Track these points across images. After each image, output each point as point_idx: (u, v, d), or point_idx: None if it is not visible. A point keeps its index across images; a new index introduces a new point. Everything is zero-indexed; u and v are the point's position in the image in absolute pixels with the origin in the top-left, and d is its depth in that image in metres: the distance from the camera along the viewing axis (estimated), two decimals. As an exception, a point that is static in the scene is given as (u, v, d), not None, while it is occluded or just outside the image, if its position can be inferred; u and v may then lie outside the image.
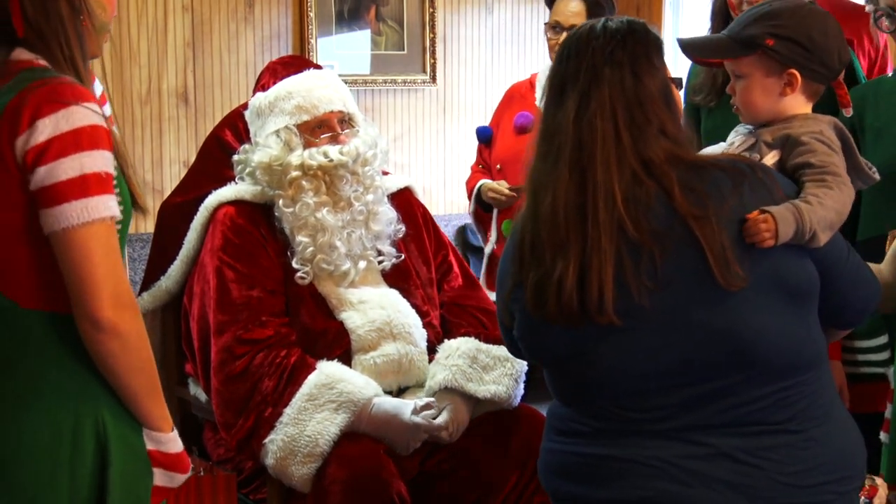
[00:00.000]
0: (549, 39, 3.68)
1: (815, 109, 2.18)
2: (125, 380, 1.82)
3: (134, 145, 4.94)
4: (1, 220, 1.79)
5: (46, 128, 1.74)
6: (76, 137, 1.75)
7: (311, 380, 2.72)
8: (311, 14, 5.31)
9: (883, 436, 2.42)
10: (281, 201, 2.87)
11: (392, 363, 2.85)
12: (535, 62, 5.79)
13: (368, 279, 2.94)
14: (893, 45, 3.07)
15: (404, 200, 3.11)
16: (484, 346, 2.92)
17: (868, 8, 2.74)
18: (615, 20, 2.01)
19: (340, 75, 3.16)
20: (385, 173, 3.09)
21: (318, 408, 2.68)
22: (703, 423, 1.90)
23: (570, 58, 1.98)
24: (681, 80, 3.09)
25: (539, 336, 1.99)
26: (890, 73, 2.75)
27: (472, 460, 2.81)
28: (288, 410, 2.69)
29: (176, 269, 3.02)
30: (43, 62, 1.82)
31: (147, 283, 3.09)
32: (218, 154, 3.13)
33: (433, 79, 5.67)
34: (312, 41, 5.33)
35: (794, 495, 1.90)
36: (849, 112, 2.30)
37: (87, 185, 1.74)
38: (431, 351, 2.93)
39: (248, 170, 2.93)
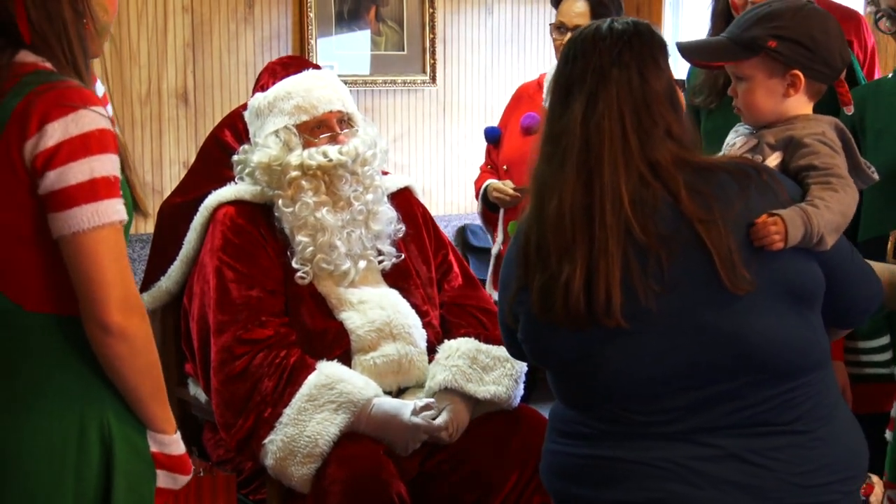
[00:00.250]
0: (554, 40, 3.69)
1: (816, 108, 2.18)
2: (132, 383, 1.83)
3: (134, 146, 4.94)
4: (7, 223, 1.79)
5: (56, 132, 1.74)
6: (85, 141, 1.75)
7: (311, 380, 2.72)
8: (311, 14, 5.31)
9: (888, 434, 2.43)
10: (280, 201, 2.87)
11: (392, 363, 2.85)
12: (536, 62, 5.79)
13: (368, 279, 2.94)
14: (883, 47, 3.06)
15: (404, 200, 3.11)
16: (484, 346, 2.92)
17: (868, 9, 2.74)
18: (620, 21, 2.00)
19: (340, 76, 3.16)
20: (385, 173, 3.09)
21: (318, 408, 2.68)
22: (710, 426, 1.90)
23: (576, 59, 1.97)
24: (683, 81, 3.10)
25: (545, 339, 1.99)
26: (890, 75, 2.75)
27: (471, 461, 2.80)
28: (288, 411, 2.69)
29: (176, 269, 3.02)
30: (47, 65, 1.83)
31: (147, 283, 3.09)
32: (218, 154, 3.13)
33: (433, 79, 5.67)
34: (312, 41, 5.33)
35: (802, 495, 1.90)
36: (850, 110, 2.30)
37: (96, 190, 1.75)
38: (431, 351, 2.93)
39: (247, 170, 2.93)
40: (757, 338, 1.89)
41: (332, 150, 2.86)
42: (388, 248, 2.97)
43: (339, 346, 2.84)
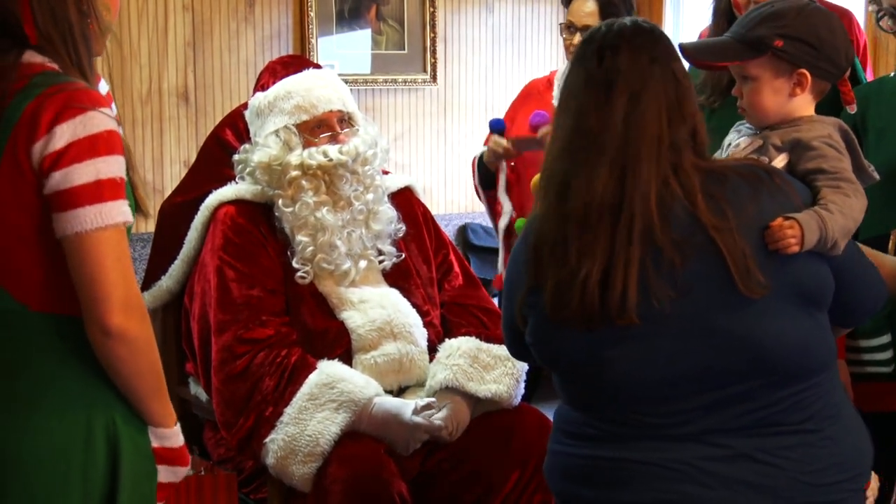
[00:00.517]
0: (564, 39, 3.69)
1: (818, 107, 2.18)
2: (132, 383, 1.84)
3: (134, 145, 4.93)
4: (13, 223, 1.80)
5: (64, 134, 1.75)
6: (93, 143, 1.76)
7: (312, 379, 2.72)
8: (312, 13, 5.31)
9: None
10: (280, 201, 2.87)
11: (392, 362, 2.85)
12: (537, 62, 5.79)
13: (369, 279, 2.94)
14: (884, 46, 3.06)
15: (405, 200, 3.11)
16: (485, 345, 2.92)
17: (871, 8, 2.74)
18: (642, 20, 2.00)
19: (341, 75, 3.16)
20: (385, 172, 3.09)
21: (319, 407, 2.68)
22: (721, 427, 1.90)
23: (614, 54, 1.92)
24: None
25: (555, 341, 1.97)
26: (892, 73, 2.75)
27: (472, 459, 2.80)
28: (289, 410, 2.68)
29: (176, 268, 3.02)
30: (54, 65, 1.83)
31: (147, 282, 3.09)
32: (218, 154, 3.13)
33: (434, 78, 5.67)
34: (313, 41, 5.32)
35: (813, 494, 1.91)
36: (853, 108, 2.30)
37: (101, 191, 1.75)
38: (432, 350, 2.93)
39: (247, 169, 2.93)
40: (770, 341, 1.89)
41: (333, 150, 2.86)
42: (388, 247, 2.97)
43: (340, 345, 2.84)
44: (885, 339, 2.56)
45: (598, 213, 1.88)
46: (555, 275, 1.91)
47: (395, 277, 2.98)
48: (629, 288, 1.86)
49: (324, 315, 2.87)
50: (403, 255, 3.00)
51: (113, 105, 2.42)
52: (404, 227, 3.02)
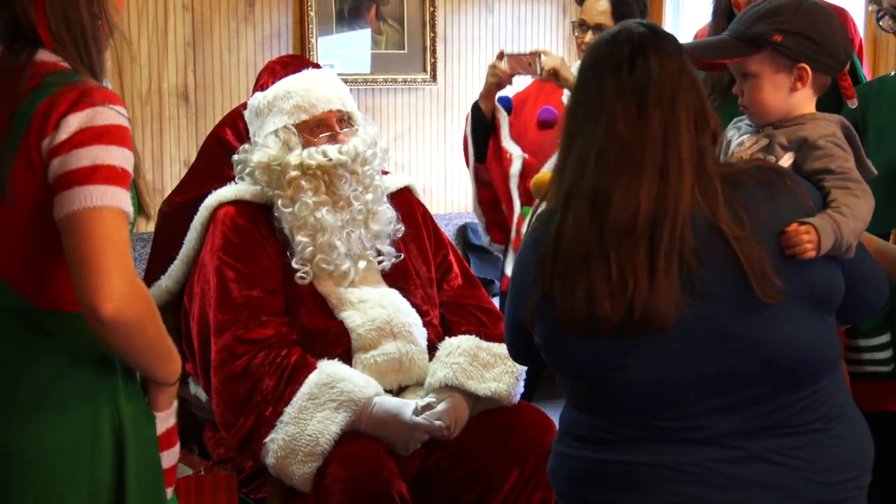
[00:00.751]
0: (576, 37, 3.69)
1: (819, 102, 2.18)
2: (133, 360, 1.85)
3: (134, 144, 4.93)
4: (23, 221, 1.80)
5: (71, 125, 1.75)
6: (98, 133, 1.76)
7: (312, 379, 2.72)
8: (312, 13, 5.31)
9: None
10: (280, 201, 2.87)
11: (392, 362, 2.85)
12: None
13: (368, 279, 2.94)
14: (884, 45, 3.06)
15: (404, 200, 3.11)
16: (485, 343, 2.92)
17: (871, 8, 2.74)
18: (646, 22, 1.99)
19: (341, 74, 3.16)
20: (385, 172, 3.09)
21: (319, 407, 2.68)
22: (735, 429, 1.90)
23: (646, 63, 1.90)
24: None
25: (570, 346, 1.94)
26: (893, 73, 2.75)
27: (472, 458, 2.80)
28: (289, 409, 2.68)
29: (176, 268, 3.02)
30: (66, 64, 1.84)
31: (147, 282, 3.08)
32: (218, 153, 3.13)
33: (433, 78, 5.67)
34: (313, 40, 5.32)
35: (824, 493, 1.91)
36: (854, 103, 2.31)
37: (97, 174, 1.74)
38: (431, 350, 2.93)
39: (247, 169, 2.93)
40: (784, 345, 1.89)
41: (332, 150, 2.86)
42: (387, 248, 2.97)
43: (340, 344, 2.84)
44: (885, 338, 2.56)
45: (642, 226, 1.86)
46: (587, 285, 1.87)
47: (395, 278, 2.98)
48: (671, 297, 1.85)
49: (323, 315, 2.86)
50: (402, 256, 3.00)
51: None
52: (403, 228, 3.02)
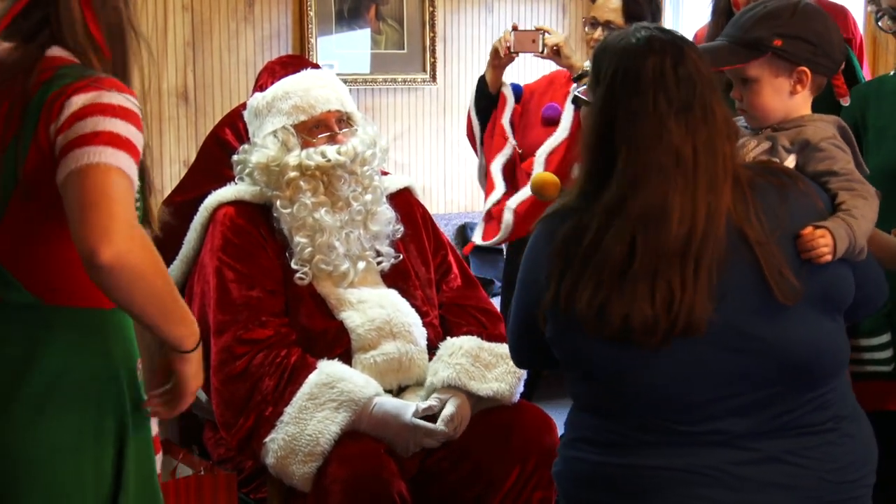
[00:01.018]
0: (586, 34, 3.71)
1: (814, 101, 2.19)
2: (135, 311, 1.78)
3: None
4: (30, 215, 1.81)
5: (75, 105, 1.75)
6: (101, 108, 1.76)
7: (312, 379, 2.72)
8: (311, 13, 5.31)
9: None
10: (279, 202, 2.87)
11: (392, 362, 2.85)
12: (536, 61, 5.78)
13: (367, 280, 2.94)
14: (883, 45, 3.07)
15: (404, 201, 3.10)
16: (486, 344, 2.91)
17: (870, 8, 2.75)
18: (665, 29, 1.98)
19: (340, 74, 3.16)
20: (385, 173, 3.09)
21: (319, 407, 2.68)
22: (750, 431, 1.90)
23: (688, 74, 1.89)
24: None
25: (590, 347, 1.93)
26: (892, 73, 2.76)
27: (472, 457, 2.80)
28: (289, 409, 2.68)
29: (175, 268, 3.01)
30: (76, 59, 1.85)
31: (147, 282, 3.08)
32: (218, 153, 3.13)
33: (433, 78, 5.67)
34: (312, 40, 5.32)
35: (836, 492, 1.92)
36: (846, 101, 2.33)
37: (98, 138, 1.73)
38: (431, 350, 2.93)
39: (246, 170, 2.93)
40: (800, 347, 1.90)
41: (331, 151, 2.86)
42: (386, 248, 2.97)
43: (340, 345, 2.84)
44: (885, 338, 2.56)
45: (696, 242, 1.85)
46: (628, 297, 1.85)
47: (394, 278, 2.98)
48: (707, 302, 1.85)
49: (323, 316, 2.86)
50: (402, 257, 3.00)
51: None
52: (402, 228, 3.02)
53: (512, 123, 3.74)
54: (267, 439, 2.68)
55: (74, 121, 1.74)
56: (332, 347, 2.83)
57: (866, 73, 3.72)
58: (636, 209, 1.86)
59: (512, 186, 3.70)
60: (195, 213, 2.98)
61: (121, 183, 1.72)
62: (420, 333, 2.91)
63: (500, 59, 3.67)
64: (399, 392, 2.90)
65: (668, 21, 5.90)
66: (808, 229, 1.92)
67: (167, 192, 3.40)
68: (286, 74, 3.00)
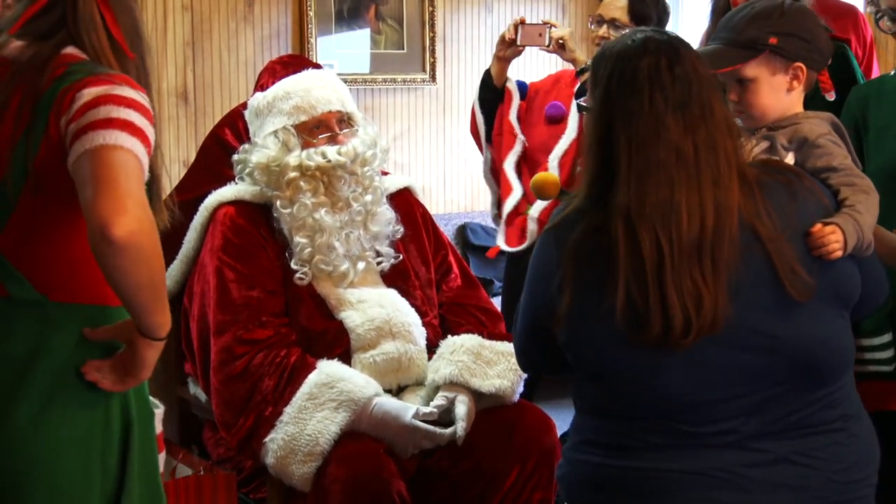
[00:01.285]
0: (591, 31, 3.72)
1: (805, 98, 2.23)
2: (129, 293, 1.78)
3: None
4: (37, 210, 1.81)
5: (86, 97, 1.76)
6: (114, 98, 1.77)
7: (312, 379, 2.72)
8: (311, 13, 5.31)
9: None
10: (279, 202, 2.87)
11: (392, 361, 2.85)
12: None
13: (367, 280, 2.94)
14: (883, 45, 3.08)
15: (404, 201, 3.11)
16: (487, 342, 2.92)
17: (869, 9, 2.75)
18: (666, 31, 1.99)
19: (340, 74, 3.16)
20: (385, 173, 3.09)
21: (319, 407, 2.68)
22: (759, 432, 1.90)
23: (684, 72, 1.89)
24: None
25: (607, 352, 1.92)
26: (892, 73, 2.76)
27: (472, 456, 2.80)
28: (288, 409, 2.69)
29: (175, 268, 3.02)
30: (86, 57, 1.86)
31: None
32: (218, 153, 3.13)
33: (433, 78, 5.67)
34: (312, 40, 5.32)
35: (843, 492, 1.92)
36: (832, 96, 2.39)
37: (111, 123, 1.74)
38: (430, 350, 2.93)
39: (246, 170, 2.93)
40: (814, 344, 1.90)
41: (331, 151, 2.86)
42: (386, 249, 2.97)
43: (339, 344, 2.84)
44: (886, 338, 2.56)
45: (709, 238, 1.85)
46: (637, 297, 1.85)
47: (394, 279, 2.98)
48: (725, 299, 1.85)
49: (323, 316, 2.87)
50: (401, 257, 3.00)
51: None
52: (402, 229, 3.02)
53: (518, 120, 3.76)
54: (267, 439, 2.68)
55: (86, 109, 1.75)
56: (332, 347, 2.83)
57: (877, 71, 3.73)
58: (648, 208, 1.86)
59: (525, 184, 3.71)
60: (195, 213, 2.98)
61: (135, 165, 1.75)
62: (419, 333, 2.91)
63: (506, 48, 3.67)
64: (398, 392, 2.90)
65: (668, 22, 5.88)
66: (818, 226, 1.93)
67: (167, 191, 3.40)
68: (287, 74, 3.00)
